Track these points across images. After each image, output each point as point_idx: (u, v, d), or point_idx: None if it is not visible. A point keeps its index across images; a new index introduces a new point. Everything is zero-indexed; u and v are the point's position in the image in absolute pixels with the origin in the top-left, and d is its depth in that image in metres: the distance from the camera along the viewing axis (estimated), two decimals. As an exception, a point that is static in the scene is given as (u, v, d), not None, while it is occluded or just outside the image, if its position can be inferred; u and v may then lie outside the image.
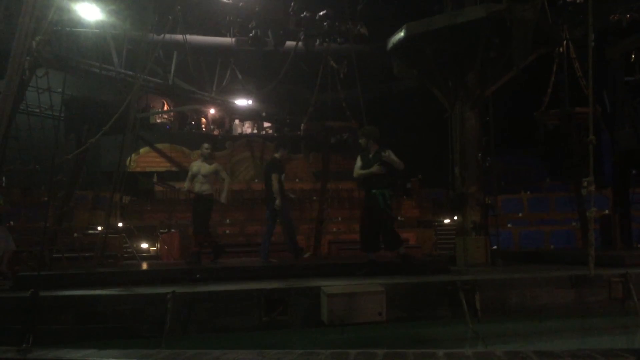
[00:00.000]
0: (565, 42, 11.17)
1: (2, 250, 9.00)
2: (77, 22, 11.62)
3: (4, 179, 9.39)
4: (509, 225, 15.88)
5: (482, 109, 10.33)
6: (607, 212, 13.48)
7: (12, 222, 11.18)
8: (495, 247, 10.42)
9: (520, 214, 16.64)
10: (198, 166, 9.60)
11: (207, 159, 9.64)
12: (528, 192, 17.18)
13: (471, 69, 9.91)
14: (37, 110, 11.20)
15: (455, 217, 10.73)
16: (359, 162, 8.22)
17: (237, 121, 21.25)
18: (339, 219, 16.43)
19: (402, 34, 9.74)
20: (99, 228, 13.14)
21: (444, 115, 10.53)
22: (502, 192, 14.40)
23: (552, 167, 18.26)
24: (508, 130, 13.72)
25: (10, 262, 9.26)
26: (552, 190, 17.05)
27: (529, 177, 18.70)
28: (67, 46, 11.09)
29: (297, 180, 17.62)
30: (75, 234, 13.18)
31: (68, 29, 10.49)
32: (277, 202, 9.03)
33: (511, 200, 16.63)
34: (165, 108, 20.52)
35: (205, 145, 9.72)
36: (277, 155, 9.63)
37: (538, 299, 6.90)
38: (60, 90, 10.79)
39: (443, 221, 16.79)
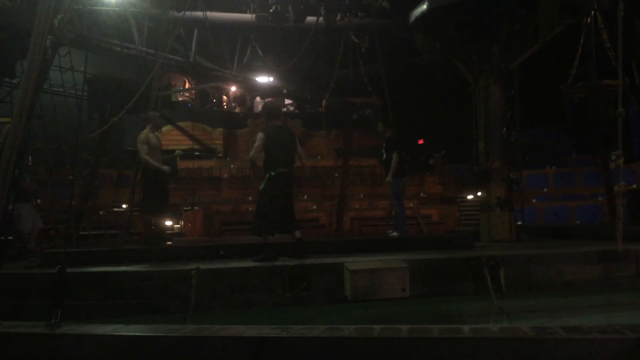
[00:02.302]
0: (593, 13, 10.86)
1: (30, 228, 9.14)
2: (98, 1, 11.64)
3: (30, 157, 9.53)
4: (534, 200, 15.66)
5: (507, 83, 10.13)
6: (635, 186, 13.21)
7: (38, 200, 11.35)
8: (520, 222, 10.31)
9: (545, 189, 16.41)
10: (157, 138, 8.39)
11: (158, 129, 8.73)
12: (553, 167, 16.92)
13: (496, 41, 9.69)
14: (61, 90, 11.30)
15: (479, 193, 10.63)
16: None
17: (258, 98, 21.21)
18: (361, 195, 16.39)
19: (424, 6, 9.56)
20: (124, 206, 13.30)
21: (467, 90, 10.36)
22: (527, 167, 14.19)
23: (579, 141, 17.93)
24: (533, 104, 13.49)
25: (38, 240, 9.41)
26: (578, 164, 16.76)
27: (554, 152, 18.39)
28: (88, 25, 11.11)
29: (318, 157, 17.57)
30: (101, 212, 13.36)
31: (89, 7, 10.49)
32: (389, 177, 9.35)
33: (536, 176, 16.38)
34: (187, 86, 20.56)
35: (158, 113, 8.86)
36: (388, 134, 9.71)
37: (564, 274, 6.80)
38: (82, 69, 10.89)
39: (466, 197, 16.63)
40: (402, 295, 6.17)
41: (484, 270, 6.50)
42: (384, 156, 9.62)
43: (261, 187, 7.31)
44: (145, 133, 8.22)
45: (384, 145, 9.71)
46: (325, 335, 3.73)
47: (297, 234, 7.28)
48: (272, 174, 7.19)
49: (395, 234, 9.50)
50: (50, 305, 4.31)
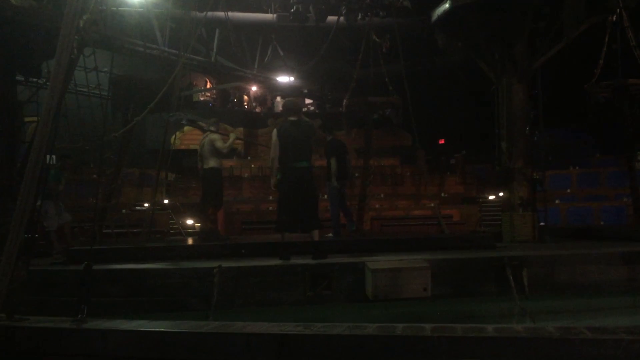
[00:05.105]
0: (618, 10, 10.69)
1: (57, 225, 9.19)
2: (121, 2, 11.78)
3: (54, 157, 9.65)
4: (557, 201, 15.49)
5: (530, 82, 10.03)
6: (660, 187, 12.97)
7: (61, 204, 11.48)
8: (542, 223, 10.20)
9: (568, 190, 16.22)
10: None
11: None
12: (577, 168, 16.72)
13: (519, 40, 9.60)
14: (85, 90, 11.45)
15: (501, 193, 10.54)
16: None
17: (278, 98, 21.28)
18: (382, 195, 16.35)
19: (447, 5, 9.51)
20: (146, 205, 13.45)
21: (490, 89, 10.28)
22: (550, 168, 14.02)
23: (603, 141, 17.70)
24: (557, 103, 13.33)
25: (63, 237, 9.45)
26: (602, 165, 16.55)
27: (578, 152, 18.18)
28: (112, 26, 11.24)
29: (339, 156, 17.54)
30: (124, 211, 13.52)
31: (113, 8, 10.62)
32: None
33: (559, 176, 16.22)
34: (208, 86, 20.71)
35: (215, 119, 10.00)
36: (329, 138, 9.93)
37: (588, 275, 6.71)
38: (106, 69, 11.02)
39: (488, 197, 16.51)
40: (423, 295, 6.14)
41: (506, 270, 6.45)
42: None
43: (272, 183, 7.24)
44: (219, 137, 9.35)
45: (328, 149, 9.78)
46: (347, 333, 3.73)
47: (315, 235, 7.09)
48: (284, 169, 7.05)
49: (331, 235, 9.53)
50: (76, 301, 4.36)
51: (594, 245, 8.22)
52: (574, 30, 9.20)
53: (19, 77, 10.24)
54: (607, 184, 15.80)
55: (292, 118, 7.31)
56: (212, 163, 9.20)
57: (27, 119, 10.03)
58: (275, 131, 7.19)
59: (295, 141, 7.07)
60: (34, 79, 10.32)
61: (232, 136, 9.64)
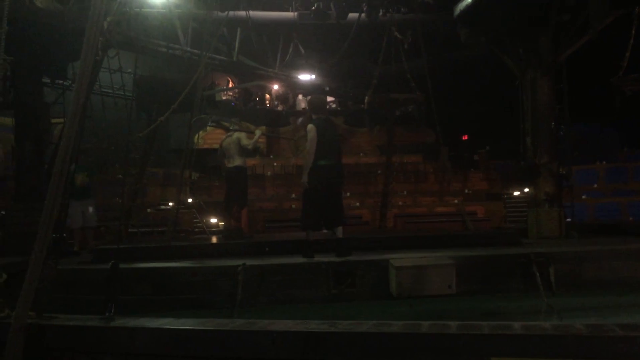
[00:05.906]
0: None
1: (80, 224, 9.25)
2: (144, 3, 11.88)
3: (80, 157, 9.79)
4: (584, 197, 15.25)
5: (556, 76, 9.89)
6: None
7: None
8: (569, 219, 10.05)
9: (595, 185, 15.95)
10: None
11: None
12: (604, 162, 16.43)
13: (543, 33, 9.49)
14: (110, 91, 11.61)
15: (527, 189, 10.42)
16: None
17: (300, 96, 21.27)
18: (405, 192, 16.25)
19: (469, -1, 9.44)
20: (170, 204, 13.56)
21: (514, 84, 10.16)
22: (576, 163, 13.81)
23: (630, 135, 17.38)
24: (583, 97, 13.11)
25: (84, 239, 9.48)
26: (630, 159, 16.24)
27: (604, 147, 17.87)
28: (135, 27, 11.36)
29: (361, 154, 17.50)
30: (149, 210, 13.66)
31: (136, 9, 10.73)
32: None
33: (586, 171, 15.97)
34: (230, 85, 20.78)
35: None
36: None
37: (617, 272, 6.61)
38: (130, 70, 11.14)
39: (513, 194, 16.32)
40: (448, 292, 6.12)
41: (532, 267, 6.38)
42: None
43: (304, 180, 7.17)
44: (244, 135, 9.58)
45: None
46: (373, 331, 3.71)
47: (339, 232, 7.09)
48: (314, 166, 7.03)
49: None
50: (103, 299, 4.42)
51: (623, 241, 8.09)
52: (600, 22, 9.07)
53: (46, 79, 10.42)
54: (635, 178, 15.51)
55: (320, 116, 7.36)
56: (237, 161, 9.26)
57: (54, 121, 10.20)
58: (312, 127, 7.16)
59: (329, 139, 7.14)
60: (60, 81, 10.49)
61: (257, 132, 9.74)
